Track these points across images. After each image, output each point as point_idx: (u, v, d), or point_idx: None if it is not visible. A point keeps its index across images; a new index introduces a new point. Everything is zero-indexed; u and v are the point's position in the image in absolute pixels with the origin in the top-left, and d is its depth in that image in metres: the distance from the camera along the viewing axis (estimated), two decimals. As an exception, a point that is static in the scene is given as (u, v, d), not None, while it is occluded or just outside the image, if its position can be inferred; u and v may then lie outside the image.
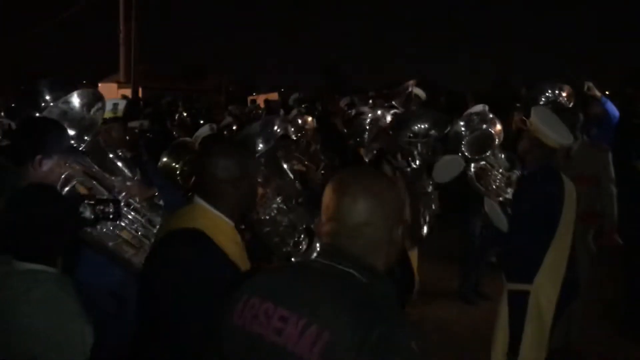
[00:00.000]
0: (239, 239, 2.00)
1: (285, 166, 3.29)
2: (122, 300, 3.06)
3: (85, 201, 2.39)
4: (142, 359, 1.92)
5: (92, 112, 2.91)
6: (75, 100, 2.86)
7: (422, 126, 3.93)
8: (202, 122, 7.27)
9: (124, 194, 2.72)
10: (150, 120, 6.24)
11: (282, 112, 8.52)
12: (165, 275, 1.85)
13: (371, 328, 1.15)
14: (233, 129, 6.37)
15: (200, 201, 1.94)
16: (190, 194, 3.35)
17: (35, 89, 3.11)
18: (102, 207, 2.39)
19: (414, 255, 3.77)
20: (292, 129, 4.67)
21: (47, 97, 3.08)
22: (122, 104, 3.36)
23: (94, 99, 2.91)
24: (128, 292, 2.95)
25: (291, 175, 3.27)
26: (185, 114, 8.10)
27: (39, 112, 3.01)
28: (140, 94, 15.08)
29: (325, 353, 1.15)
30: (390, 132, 4.17)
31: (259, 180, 2.04)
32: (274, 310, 1.25)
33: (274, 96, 13.81)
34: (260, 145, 3.29)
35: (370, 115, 4.57)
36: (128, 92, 13.73)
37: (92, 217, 2.36)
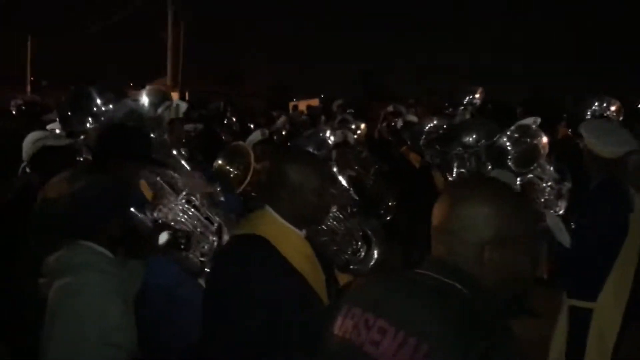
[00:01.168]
0: (309, 250, 1.92)
1: (339, 174, 3.30)
2: (176, 298, 3.16)
3: (166, 229, 2.45)
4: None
5: (159, 110, 3.05)
6: (144, 98, 3.01)
7: (473, 137, 3.82)
8: (252, 126, 7.40)
9: (186, 190, 2.81)
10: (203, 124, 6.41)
11: (323, 118, 8.55)
12: (221, 280, 1.86)
13: (473, 344, 1.10)
14: (282, 134, 6.42)
15: (268, 208, 1.90)
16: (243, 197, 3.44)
17: (85, 93, 3.22)
18: (177, 236, 2.43)
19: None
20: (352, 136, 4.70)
21: (98, 101, 3.19)
22: (183, 106, 3.48)
23: (162, 98, 3.05)
24: (183, 290, 3.06)
25: (345, 183, 3.28)
26: (233, 119, 8.24)
27: (91, 116, 3.14)
28: (187, 98, 15.40)
29: None
30: (437, 146, 4.10)
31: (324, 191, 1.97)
32: (374, 321, 1.21)
33: (315, 102, 13.85)
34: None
35: (435, 122, 4.52)
36: (175, 95, 14.03)
37: (165, 244, 2.41)
